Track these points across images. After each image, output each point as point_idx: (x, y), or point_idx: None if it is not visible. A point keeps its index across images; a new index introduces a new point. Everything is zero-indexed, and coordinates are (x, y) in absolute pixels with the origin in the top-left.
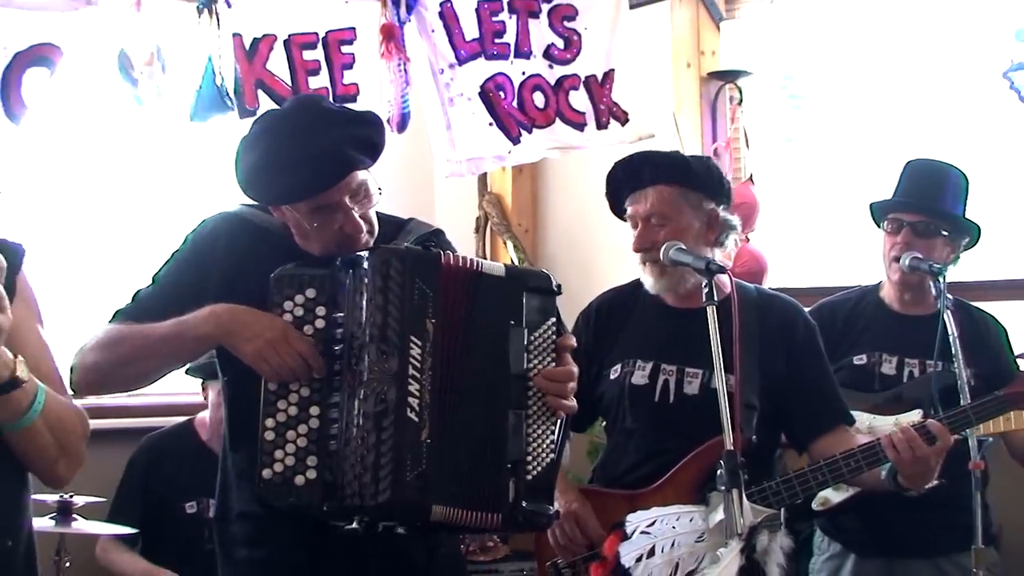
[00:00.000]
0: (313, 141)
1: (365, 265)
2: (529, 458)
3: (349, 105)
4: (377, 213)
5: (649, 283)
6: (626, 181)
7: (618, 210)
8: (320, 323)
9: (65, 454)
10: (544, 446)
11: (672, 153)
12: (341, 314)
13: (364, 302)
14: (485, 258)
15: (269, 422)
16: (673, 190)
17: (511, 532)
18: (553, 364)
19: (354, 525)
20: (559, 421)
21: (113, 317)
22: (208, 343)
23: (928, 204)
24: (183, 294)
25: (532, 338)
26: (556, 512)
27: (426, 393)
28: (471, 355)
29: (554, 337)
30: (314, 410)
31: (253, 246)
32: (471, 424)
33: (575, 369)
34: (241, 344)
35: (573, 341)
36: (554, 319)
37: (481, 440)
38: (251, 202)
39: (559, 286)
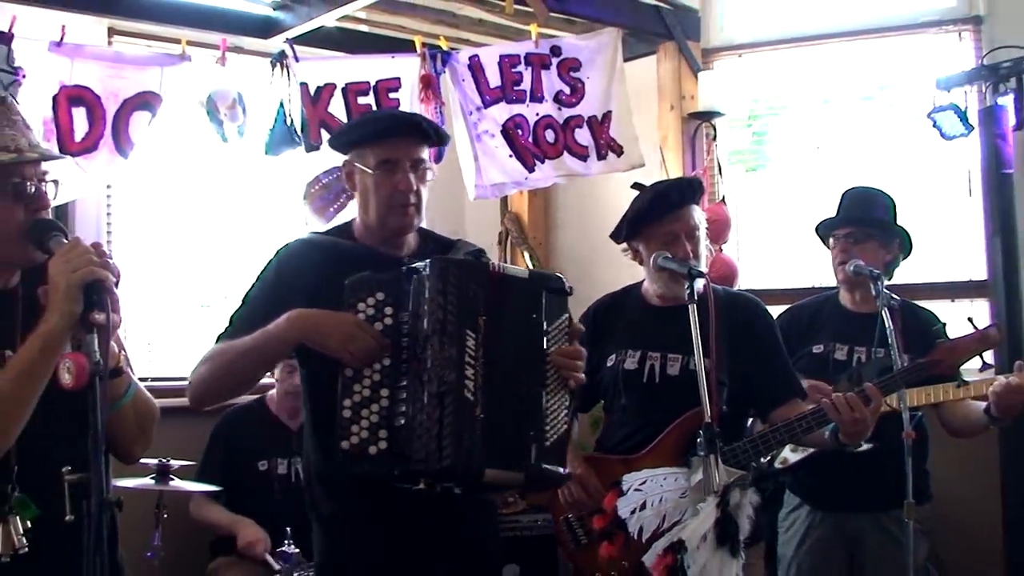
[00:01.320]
0: (391, 114)
1: (426, 272)
2: (547, 426)
3: None
4: (430, 232)
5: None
6: (674, 201)
7: (632, 231)
8: (388, 320)
9: (143, 436)
10: (560, 417)
11: (695, 179)
12: (406, 312)
13: (426, 302)
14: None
15: (346, 402)
16: (698, 208)
17: (532, 490)
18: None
19: (420, 486)
20: (571, 396)
21: (216, 340)
22: (290, 344)
23: (858, 216)
24: (269, 311)
25: (549, 328)
26: (568, 473)
27: (479, 376)
28: (509, 343)
29: (567, 327)
30: (384, 392)
31: (327, 265)
32: (510, 399)
33: (584, 350)
34: (323, 339)
35: (582, 327)
36: (567, 314)
37: (515, 412)
38: (323, 229)
39: (571, 287)
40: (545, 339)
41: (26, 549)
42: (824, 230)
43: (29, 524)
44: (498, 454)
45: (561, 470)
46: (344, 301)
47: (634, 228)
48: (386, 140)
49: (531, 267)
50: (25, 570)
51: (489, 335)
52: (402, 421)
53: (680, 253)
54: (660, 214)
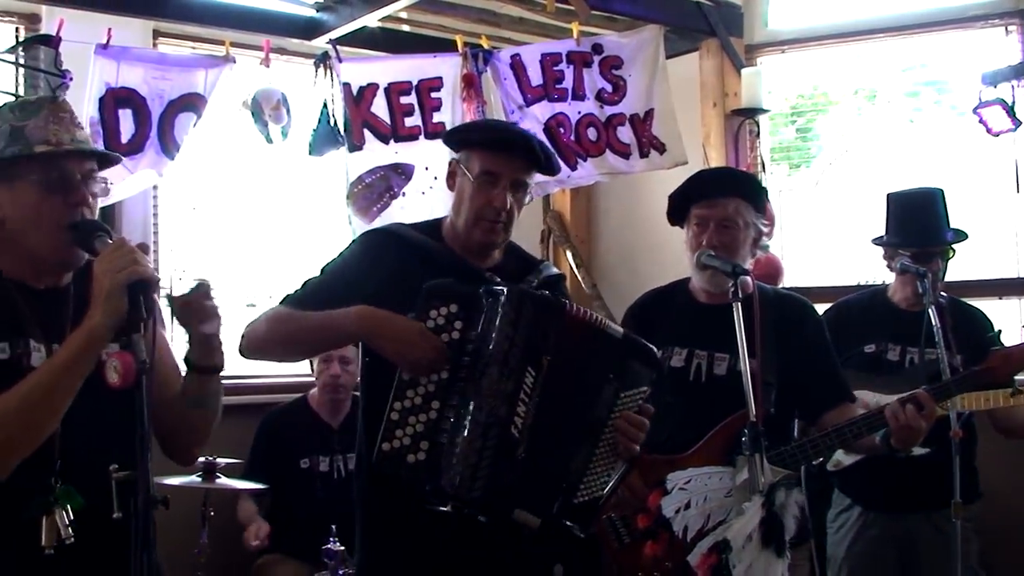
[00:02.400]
0: (512, 128)
1: (503, 298)
2: (582, 485)
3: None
4: (516, 247)
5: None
6: (711, 187)
7: (677, 212)
8: (456, 335)
9: (204, 438)
10: (598, 483)
11: (750, 174)
12: (474, 332)
13: (495, 329)
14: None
15: (396, 405)
16: (747, 205)
17: (544, 536)
18: None
19: (447, 508)
20: (622, 469)
21: (283, 300)
22: (353, 338)
23: (922, 240)
24: (341, 291)
25: (623, 393)
26: (582, 537)
27: (530, 415)
28: (572, 391)
29: (640, 400)
30: (435, 404)
31: (408, 261)
32: (554, 445)
33: (647, 424)
34: (384, 342)
35: (652, 410)
36: (647, 388)
37: (555, 459)
38: (412, 223)
39: (661, 367)
40: (616, 402)
41: (72, 540)
42: (884, 247)
43: (72, 516)
44: (528, 495)
45: (579, 531)
46: (418, 304)
47: (673, 210)
48: (496, 152)
49: (573, 265)
50: (68, 564)
51: (551, 377)
52: (445, 439)
53: (708, 241)
54: (695, 197)
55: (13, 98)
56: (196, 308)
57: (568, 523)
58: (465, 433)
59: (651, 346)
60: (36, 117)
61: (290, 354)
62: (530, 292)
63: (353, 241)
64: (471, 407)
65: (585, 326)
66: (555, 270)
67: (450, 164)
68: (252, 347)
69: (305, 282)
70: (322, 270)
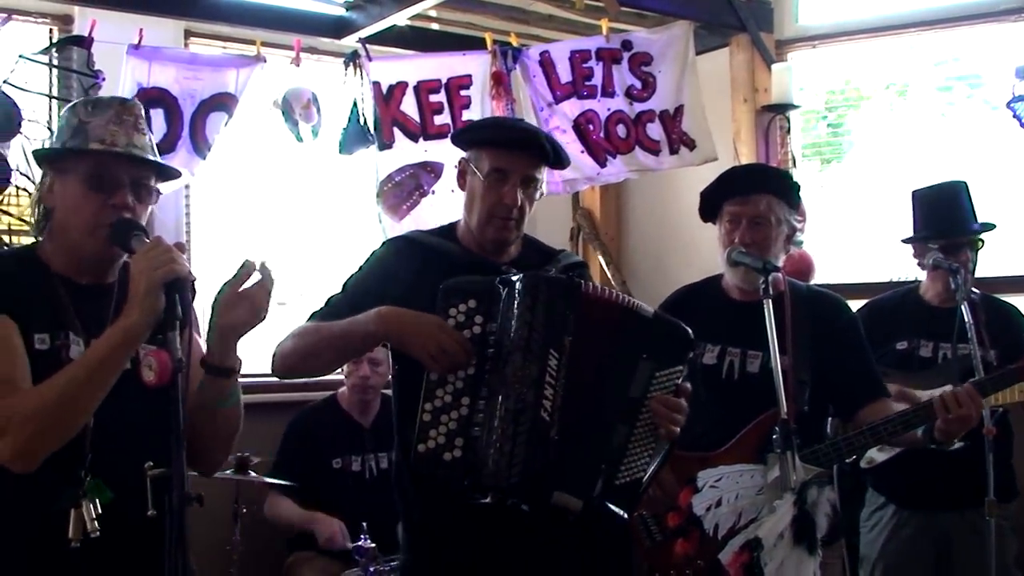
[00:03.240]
0: (519, 124)
1: (519, 286)
2: (622, 466)
3: None
4: (534, 240)
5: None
6: (743, 184)
7: (708, 209)
8: (477, 329)
9: (226, 445)
10: (638, 464)
11: (783, 170)
12: (495, 323)
13: (514, 316)
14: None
15: (427, 406)
16: (779, 202)
17: (587, 520)
18: None
19: (488, 500)
20: (662, 451)
21: (309, 318)
22: (375, 340)
23: (949, 231)
24: (365, 301)
25: (659, 373)
26: (624, 517)
27: (558, 398)
28: (600, 371)
29: (678, 380)
30: (465, 400)
31: (427, 266)
32: (589, 426)
33: (686, 407)
34: (407, 340)
35: (690, 389)
36: (682, 367)
37: (591, 440)
38: (425, 229)
39: (694, 343)
40: (651, 382)
41: (98, 533)
42: (914, 243)
43: (99, 510)
44: (566, 477)
45: (621, 514)
46: (437, 304)
47: (705, 206)
48: (505, 150)
49: (603, 263)
50: (93, 557)
51: (575, 358)
52: (478, 432)
53: (741, 238)
54: (727, 194)
55: (47, 99)
56: (253, 293)
57: (610, 505)
58: (496, 423)
59: (683, 325)
60: (102, 116)
61: (319, 365)
62: (544, 275)
63: (372, 253)
64: (501, 397)
65: (606, 305)
66: (576, 257)
67: (459, 163)
68: (284, 365)
69: (329, 299)
70: (344, 285)
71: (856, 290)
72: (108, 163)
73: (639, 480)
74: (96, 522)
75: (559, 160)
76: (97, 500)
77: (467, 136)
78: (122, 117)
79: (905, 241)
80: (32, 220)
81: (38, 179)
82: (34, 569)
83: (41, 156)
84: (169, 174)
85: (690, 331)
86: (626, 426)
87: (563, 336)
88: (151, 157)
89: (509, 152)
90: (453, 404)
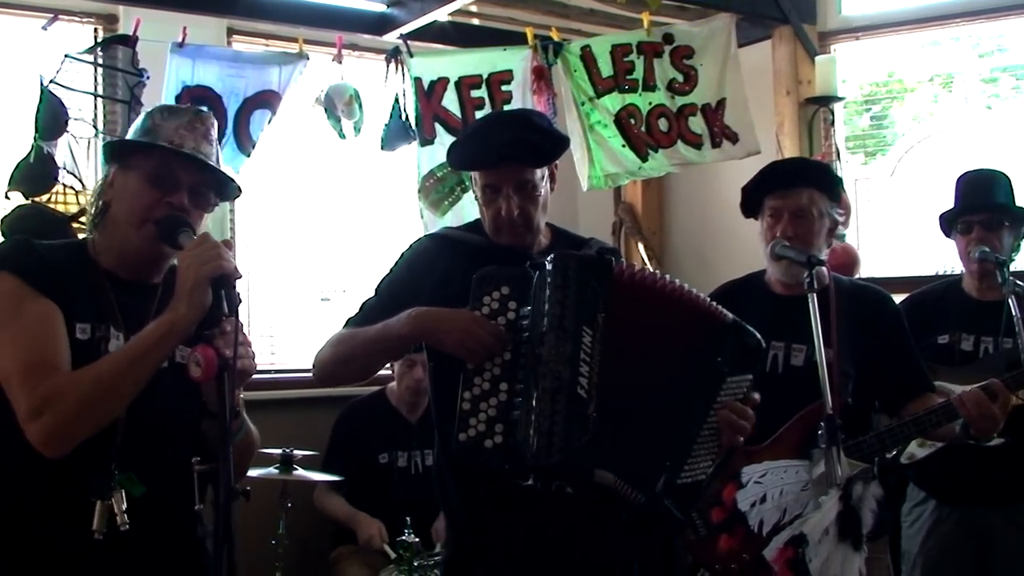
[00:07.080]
0: (497, 133)
1: (549, 267)
2: (686, 467)
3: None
4: (563, 231)
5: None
6: (784, 178)
7: (750, 204)
8: (511, 315)
9: (240, 473)
10: (701, 467)
11: (824, 163)
12: (528, 308)
13: (546, 297)
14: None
15: (466, 395)
16: (821, 195)
17: (647, 515)
18: None
19: (530, 482)
20: (724, 455)
21: (345, 324)
22: (410, 341)
23: (986, 201)
24: (398, 303)
25: (730, 380)
26: (681, 519)
27: (595, 375)
28: (651, 356)
29: (746, 388)
30: (503, 385)
31: (457, 260)
32: (644, 412)
33: (753, 417)
34: (442, 337)
35: (757, 399)
36: (752, 376)
37: (652, 431)
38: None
39: (764, 354)
40: (722, 386)
41: (127, 526)
42: (952, 217)
43: (126, 503)
44: (618, 463)
45: (679, 514)
46: (471, 294)
47: (747, 201)
48: (487, 167)
49: (645, 258)
50: (119, 550)
51: (610, 334)
52: (517, 415)
53: (783, 232)
54: (768, 189)
55: (92, 98)
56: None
57: (669, 505)
58: (534, 403)
59: (757, 334)
60: (175, 121)
61: (357, 370)
62: (572, 254)
63: (402, 254)
64: (537, 377)
65: (640, 285)
66: (607, 244)
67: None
68: (323, 373)
69: (362, 303)
70: (376, 289)
71: (901, 283)
72: (172, 163)
73: (699, 483)
74: (126, 515)
75: (552, 150)
76: (124, 493)
77: (453, 158)
78: (194, 125)
79: (941, 216)
80: (89, 215)
81: (84, 176)
82: (58, 559)
83: (109, 150)
84: (228, 193)
85: (762, 341)
86: (695, 427)
87: (596, 313)
88: (215, 164)
89: (494, 168)
90: (492, 391)
